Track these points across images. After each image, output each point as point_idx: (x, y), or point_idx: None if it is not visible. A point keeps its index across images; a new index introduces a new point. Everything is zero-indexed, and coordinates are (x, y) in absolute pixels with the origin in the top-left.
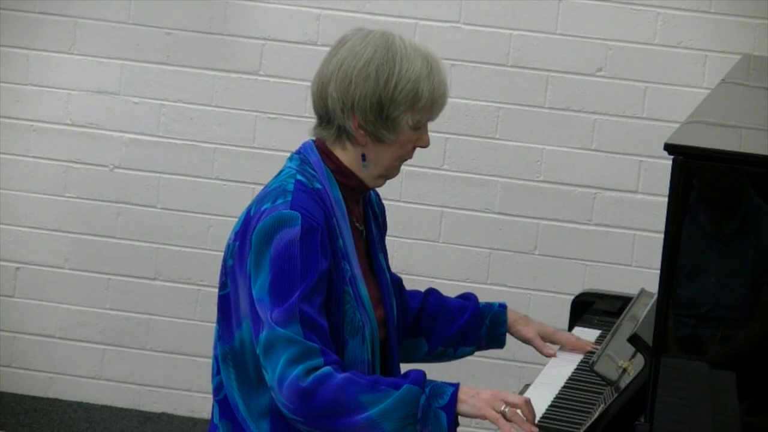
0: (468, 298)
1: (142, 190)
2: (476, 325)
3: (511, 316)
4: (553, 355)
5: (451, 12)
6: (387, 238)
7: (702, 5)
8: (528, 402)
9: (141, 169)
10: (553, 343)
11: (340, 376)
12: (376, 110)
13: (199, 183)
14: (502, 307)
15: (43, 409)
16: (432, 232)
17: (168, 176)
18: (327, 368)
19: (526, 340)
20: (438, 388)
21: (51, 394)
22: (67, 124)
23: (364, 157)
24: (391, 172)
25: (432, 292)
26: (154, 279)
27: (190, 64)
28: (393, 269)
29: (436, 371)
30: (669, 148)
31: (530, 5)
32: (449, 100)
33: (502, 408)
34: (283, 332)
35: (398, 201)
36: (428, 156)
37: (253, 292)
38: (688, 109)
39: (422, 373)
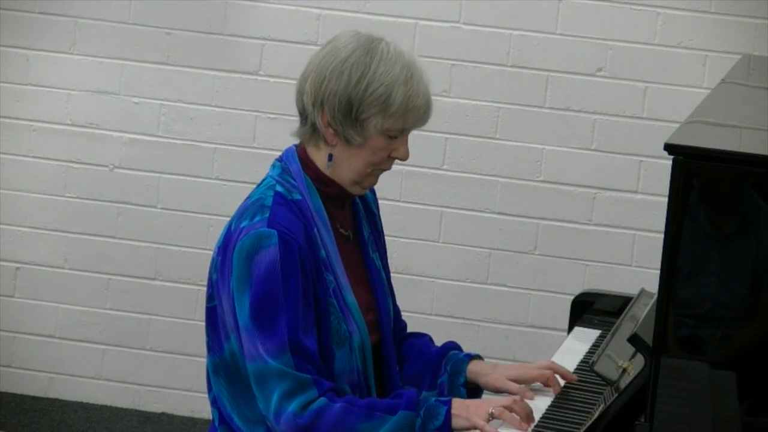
0: (445, 344)
1: (142, 190)
2: (435, 372)
3: (475, 367)
4: (531, 398)
5: (451, 12)
6: (387, 238)
7: (702, 5)
8: (517, 401)
9: (141, 169)
10: (526, 382)
11: (337, 405)
12: (345, 109)
13: (199, 183)
14: (468, 356)
15: (43, 409)
16: (432, 232)
17: (168, 176)
18: (322, 400)
19: (496, 390)
20: (432, 409)
21: (51, 394)
22: (67, 124)
23: (330, 157)
24: (365, 179)
25: (421, 336)
26: (154, 279)
27: (190, 64)
28: (393, 269)
29: None
30: (669, 148)
31: (530, 5)
32: (449, 100)
33: (489, 411)
34: (274, 365)
35: (398, 201)
36: (428, 156)
37: (238, 317)
38: (688, 109)
39: (416, 395)
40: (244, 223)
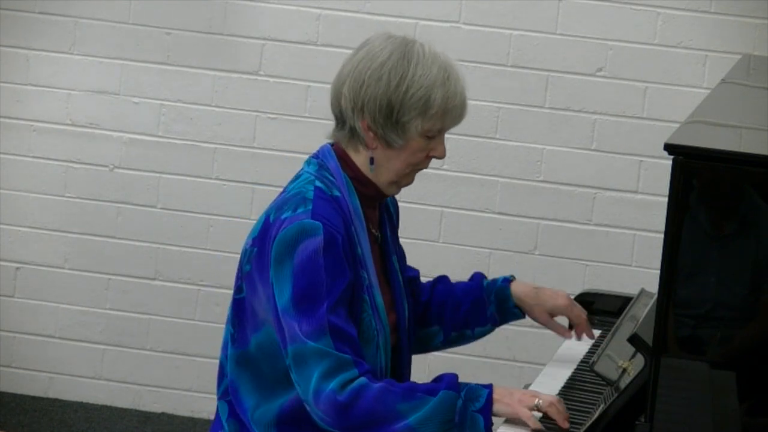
0: (473, 278)
1: (142, 190)
2: (482, 306)
3: (518, 289)
4: (570, 337)
5: (451, 12)
6: None
7: (702, 5)
8: (560, 400)
9: (141, 169)
10: (566, 316)
11: (376, 386)
12: (386, 113)
13: (199, 183)
14: (506, 281)
15: (43, 409)
16: (432, 232)
17: (168, 176)
18: (362, 379)
19: (541, 323)
20: (473, 390)
21: (51, 394)
22: (67, 124)
23: (372, 161)
24: (403, 179)
25: (441, 280)
26: (154, 279)
27: (190, 64)
28: None
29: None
30: (669, 148)
31: (530, 5)
32: None
33: (536, 402)
34: (314, 345)
35: (398, 201)
36: None
37: (278, 303)
38: (688, 109)
39: (455, 377)
40: (286, 215)
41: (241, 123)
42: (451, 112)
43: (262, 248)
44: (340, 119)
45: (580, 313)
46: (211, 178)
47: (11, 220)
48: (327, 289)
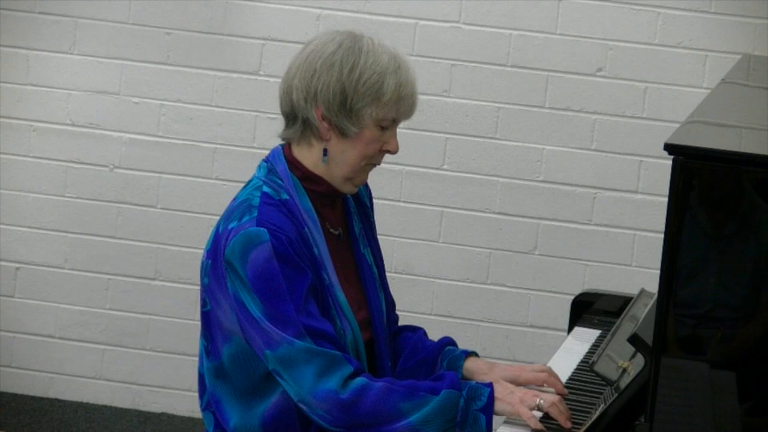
0: (441, 341)
1: (142, 190)
2: (429, 365)
3: (472, 365)
4: None
5: (451, 12)
6: (387, 238)
7: (702, 5)
8: (561, 400)
9: (141, 169)
10: (520, 384)
11: (378, 384)
12: (340, 100)
13: (199, 183)
14: (465, 353)
15: (43, 409)
16: (432, 232)
17: (168, 176)
18: (363, 378)
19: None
20: (475, 389)
21: (51, 394)
22: (67, 124)
23: (325, 152)
24: (357, 174)
25: (414, 329)
26: (154, 279)
27: (190, 64)
28: (393, 269)
29: None
30: (669, 148)
31: (530, 5)
32: (449, 100)
33: (537, 401)
34: (302, 344)
35: (398, 201)
36: (428, 156)
37: (251, 312)
38: (688, 109)
39: (457, 375)
40: (232, 224)
41: (241, 123)
42: (404, 100)
43: (215, 260)
44: (291, 115)
45: (535, 376)
46: (211, 178)
47: (11, 220)
48: (289, 293)
